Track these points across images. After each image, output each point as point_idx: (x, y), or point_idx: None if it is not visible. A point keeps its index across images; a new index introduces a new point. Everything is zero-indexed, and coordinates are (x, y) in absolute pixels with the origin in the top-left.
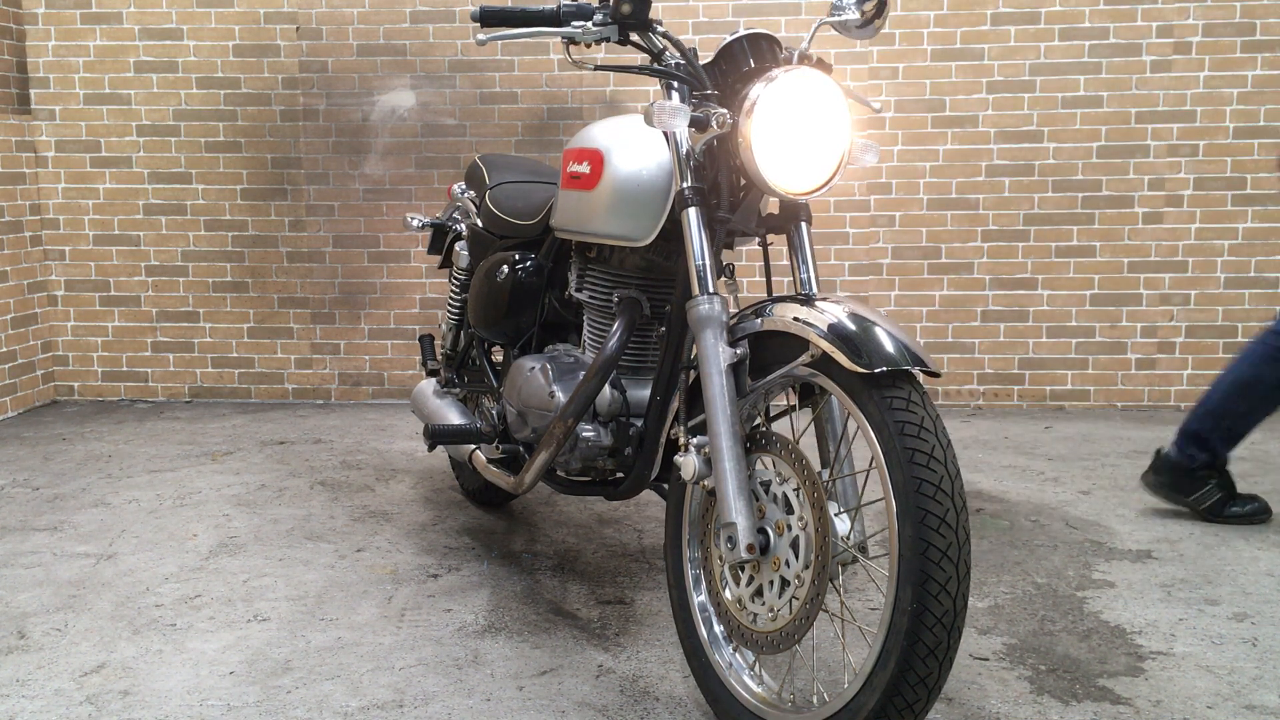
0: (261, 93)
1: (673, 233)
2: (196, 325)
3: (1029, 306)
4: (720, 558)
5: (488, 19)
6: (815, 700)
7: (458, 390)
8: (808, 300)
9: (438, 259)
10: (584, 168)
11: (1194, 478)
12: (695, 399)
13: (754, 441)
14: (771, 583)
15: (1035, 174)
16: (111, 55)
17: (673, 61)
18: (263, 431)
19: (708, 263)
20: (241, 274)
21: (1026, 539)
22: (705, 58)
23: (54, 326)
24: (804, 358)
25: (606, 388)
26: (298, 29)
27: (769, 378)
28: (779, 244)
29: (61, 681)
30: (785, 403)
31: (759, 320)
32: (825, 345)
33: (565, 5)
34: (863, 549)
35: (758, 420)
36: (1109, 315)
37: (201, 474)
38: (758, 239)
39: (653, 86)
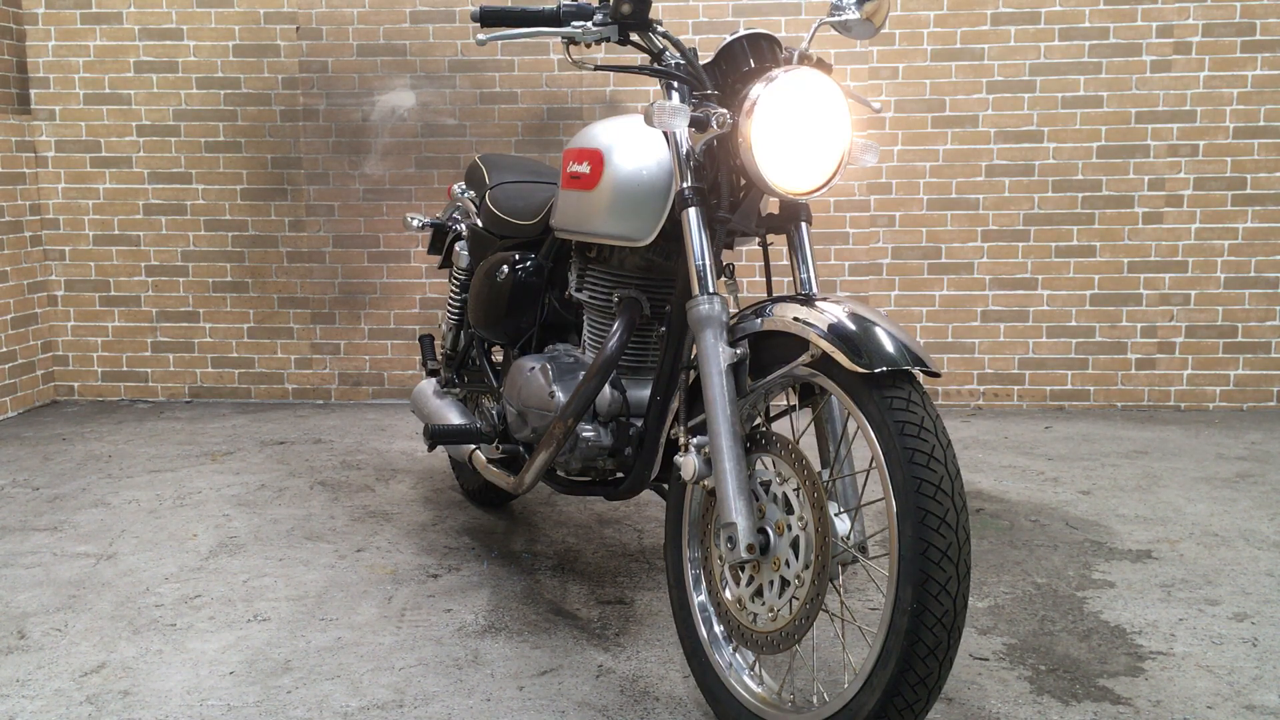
0: (261, 93)
1: (673, 233)
2: (196, 325)
3: (1029, 306)
4: (720, 558)
5: (488, 19)
6: (815, 700)
7: (458, 390)
8: (808, 300)
9: (438, 259)
10: (584, 168)
11: None
12: (695, 399)
13: (754, 441)
14: (771, 583)
15: (1035, 174)
16: (111, 55)
17: (673, 61)
18: (263, 431)
19: (708, 263)
20: (241, 274)
21: (1026, 539)
22: (705, 58)
23: (54, 326)
24: (804, 358)
25: (606, 388)
26: (298, 29)
27: (769, 378)
28: (779, 244)
29: (61, 681)
30: (785, 403)
31: (759, 320)
32: (825, 345)
33: (565, 5)
34: (863, 549)
35: (758, 420)
36: (1109, 315)
37: (201, 474)
38: (758, 239)
39: (653, 86)
